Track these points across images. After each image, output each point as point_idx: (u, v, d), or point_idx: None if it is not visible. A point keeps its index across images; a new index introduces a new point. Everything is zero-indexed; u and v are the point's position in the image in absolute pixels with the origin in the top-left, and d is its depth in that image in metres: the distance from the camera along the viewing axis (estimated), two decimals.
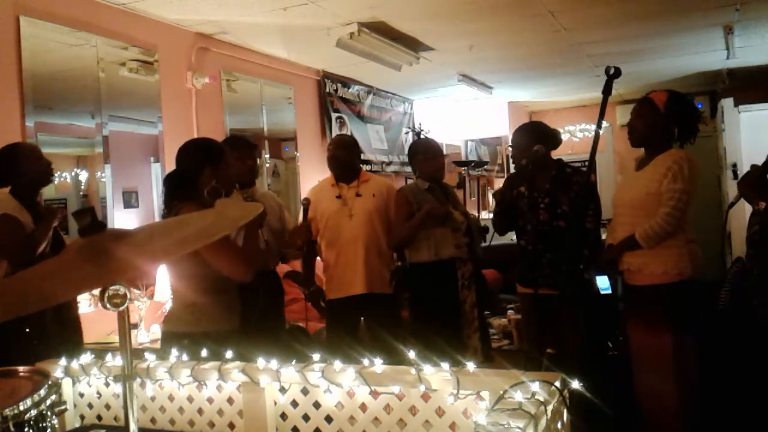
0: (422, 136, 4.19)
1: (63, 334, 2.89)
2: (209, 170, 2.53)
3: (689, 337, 2.87)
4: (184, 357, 1.99)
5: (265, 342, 2.71)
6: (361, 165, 4.04)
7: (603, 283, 3.00)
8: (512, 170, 3.68)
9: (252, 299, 2.83)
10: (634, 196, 2.98)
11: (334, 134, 6.22)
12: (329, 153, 3.74)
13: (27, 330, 2.68)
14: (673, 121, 2.93)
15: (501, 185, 3.55)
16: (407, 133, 7.57)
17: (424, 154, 3.76)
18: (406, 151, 4.00)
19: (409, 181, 8.14)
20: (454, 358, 1.99)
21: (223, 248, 2.35)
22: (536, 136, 3.35)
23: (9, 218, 2.74)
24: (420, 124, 7.89)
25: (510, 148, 3.52)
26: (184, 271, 2.48)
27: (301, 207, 3.64)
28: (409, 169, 7.98)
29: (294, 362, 1.81)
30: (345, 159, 3.71)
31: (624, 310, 3.11)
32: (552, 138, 3.43)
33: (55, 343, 2.71)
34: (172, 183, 2.56)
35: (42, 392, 1.35)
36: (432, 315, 3.52)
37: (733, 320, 3.06)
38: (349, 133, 6.62)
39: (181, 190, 2.51)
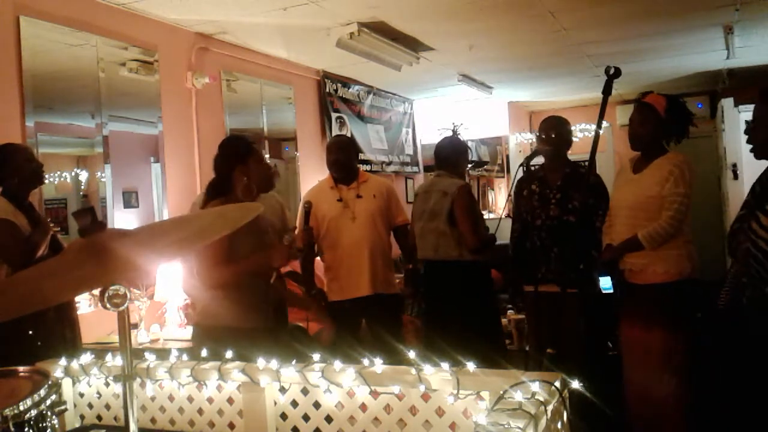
0: (457, 134, 4.13)
1: (64, 334, 2.89)
2: (240, 168, 2.60)
3: (687, 336, 2.90)
4: (185, 357, 2.00)
5: (266, 342, 2.72)
6: (360, 165, 4.04)
7: (606, 283, 3.03)
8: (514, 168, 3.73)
9: None
10: (634, 198, 3.00)
11: (334, 134, 6.22)
12: (331, 157, 3.72)
13: (30, 332, 2.68)
14: (672, 124, 3.00)
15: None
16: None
17: (467, 153, 3.80)
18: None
19: (409, 182, 8.17)
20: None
21: (208, 254, 2.38)
22: (560, 131, 3.45)
23: (7, 222, 2.76)
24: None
25: (536, 136, 3.58)
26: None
27: (302, 209, 3.62)
28: (409, 169, 8.05)
29: (294, 362, 1.81)
30: (345, 161, 3.71)
31: (620, 308, 3.11)
32: (569, 140, 3.52)
33: (57, 344, 2.71)
34: (210, 188, 2.69)
35: (42, 392, 1.35)
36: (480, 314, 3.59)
37: (731, 321, 3.05)
38: (348, 133, 6.62)
39: (217, 192, 2.63)
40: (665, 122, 2.97)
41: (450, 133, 4.01)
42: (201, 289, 2.56)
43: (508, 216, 4.24)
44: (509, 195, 3.66)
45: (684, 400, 2.92)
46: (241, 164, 2.60)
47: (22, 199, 2.91)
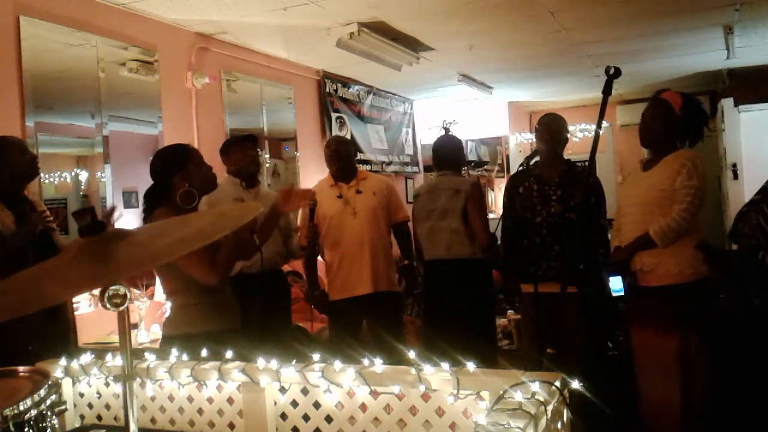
0: (450, 132, 4.09)
1: (56, 335, 2.81)
2: (179, 175, 2.52)
3: (703, 338, 2.81)
4: (184, 357, 1.99)
5: (267, 342, 2.70)
6: (360, 165, 4.04)
7: (616, 284, 2.95)
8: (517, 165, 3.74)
9: (250, 299, 2.83)
10: (645, 194, 2.93)
11: (334, 134, 6.22)
12: (330, 149, 3.72)
13: (25, 334, 2.60)
14: (686, 123, 2.93)
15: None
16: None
17: (464, 150, 3.86)
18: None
19: (409, 182, 8.17)
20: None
21: (192, 252, 2.34)
22: (557, 128, 3.45)
23: None
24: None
25: (537, 130, 3.55)
26: (173, 274, 2.49)
27: (306, 207, 3.61)
28: (409, 169, 8.05)
29: (294, 362, 1.81)
30: (345, 153, 3.71)
31: (631, 312, 3.05)
32: (565, 137, 3.53)
33: (49, 345, 2.64)
34: (147, 196, 2.59)
35: (42, 392, 1.34)
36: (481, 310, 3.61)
37: (733, 319, 3.05)
38: (348, 134, 6.63)
39: (156, 200, 2.54)
40: (678, 120, 2.90)
41: (443, 132, 3.98)
42: (182, 295, 2.53)
43: None
44: None
45: (702, 409, 2.83)
46: (180, 171, 2.52)
47: (15, 194, 2.81)
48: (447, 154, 3.78)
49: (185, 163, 2.55)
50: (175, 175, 2.51)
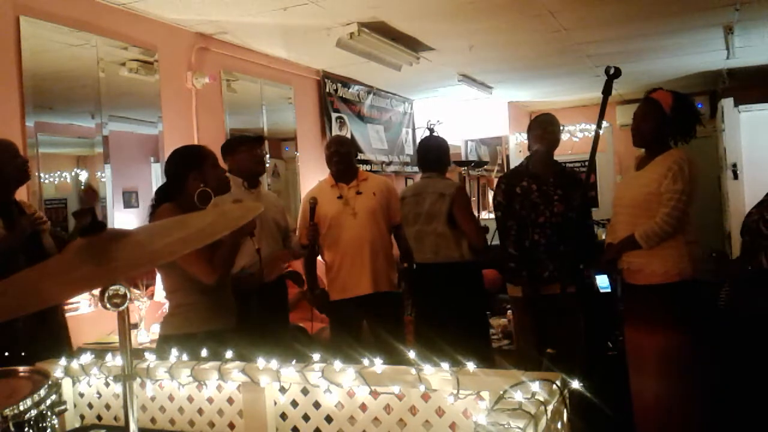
0: (435, 132, 4.09)
1: (48, 338, 2.78)
2: (194, 175, 2.53)
3: (690, 338, 2.84)
4: (184, 357, 1.99)
5: (266, 341, 2.71)
6: (360, 165, 4.04)
7: (603, 282, 3.01)
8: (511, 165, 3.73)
9: (249, 299, 2.83)
10: (633, 195, 2.96)
11: (334, 134, 6.22)
12: (330, 150, 3.71)
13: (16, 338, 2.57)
14: (676, 122, 2.92)
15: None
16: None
17: (449, 151, 3.85)
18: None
19: (409, 182, 8.17)
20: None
21: (194, 255, 2.35)
22: (558, 128, 3.50)
23: None
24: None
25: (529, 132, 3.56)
26: (174, 272, 2.50)
27: (307, 204, 3.61)
28: (409, 169, 8.05)
29: (294, 362, 1.81)
30: (346, 154, 3.71)
31: (625, 310, 3.09)
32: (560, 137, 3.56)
33: (46, 346, 2.58)
34: (159, 192, 2.62)
35: (42, 392, 1.34)
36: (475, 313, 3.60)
37: (733, 321, 3.05)
38: (348, 134, 6.63)
39: (166, 197, 2.56)
40: (669, 119, 2.89)
41: (428, 132, 4.00)
42: (181, 293, 2.53)
43: None
44: None
45: (693, 408, 2.83)
46: (195, 170, 2.53)
47: (6, 198, 2.78)
48: (432, 154, 3.79)
49: (201, 163, 2.57)
50: (190, 174, 2.54)
